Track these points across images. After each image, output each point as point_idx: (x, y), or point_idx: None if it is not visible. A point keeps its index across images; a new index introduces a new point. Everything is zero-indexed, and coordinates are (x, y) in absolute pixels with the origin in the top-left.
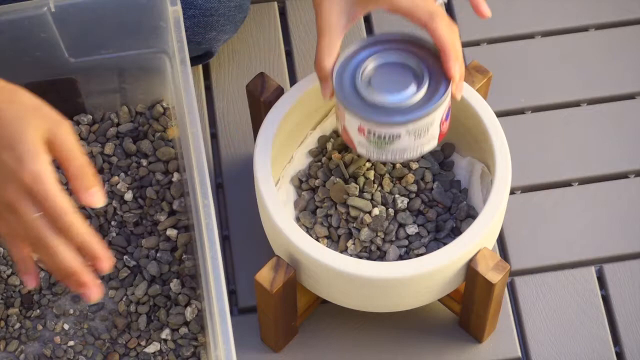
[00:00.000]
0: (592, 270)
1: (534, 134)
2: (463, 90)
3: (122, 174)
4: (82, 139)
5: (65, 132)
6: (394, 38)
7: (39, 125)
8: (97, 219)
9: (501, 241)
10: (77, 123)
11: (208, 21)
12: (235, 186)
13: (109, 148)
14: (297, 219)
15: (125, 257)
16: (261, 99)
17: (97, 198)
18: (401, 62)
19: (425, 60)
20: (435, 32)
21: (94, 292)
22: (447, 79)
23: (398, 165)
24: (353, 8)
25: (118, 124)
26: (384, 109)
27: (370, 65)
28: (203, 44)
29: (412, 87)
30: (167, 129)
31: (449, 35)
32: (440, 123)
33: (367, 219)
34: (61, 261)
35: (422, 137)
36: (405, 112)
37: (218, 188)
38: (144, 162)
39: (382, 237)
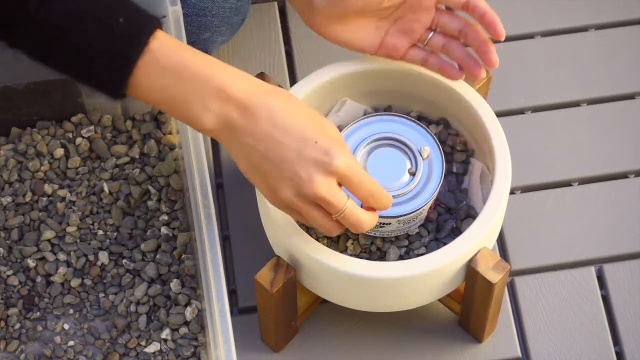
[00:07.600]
0: (592, 270)
1: (534, 134)
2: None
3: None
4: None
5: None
6: (400, 115)
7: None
8: (97, 220)
9: (501, 241)
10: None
11: (202, 21)
12: (235, 186)
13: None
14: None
15: (124, 260)
16: None
17: None
18: (400, 142)
19: (423, 142)
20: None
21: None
22: (441, 168)
23: None
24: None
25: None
26: None
27: (369, 145)
28: (197, 44)
29: (407, 174)
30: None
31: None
32: (428, 210)
33: None
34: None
35: (410, 222)
36: (398, 204)
37: (218, 188)
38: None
39: (382, 237)
